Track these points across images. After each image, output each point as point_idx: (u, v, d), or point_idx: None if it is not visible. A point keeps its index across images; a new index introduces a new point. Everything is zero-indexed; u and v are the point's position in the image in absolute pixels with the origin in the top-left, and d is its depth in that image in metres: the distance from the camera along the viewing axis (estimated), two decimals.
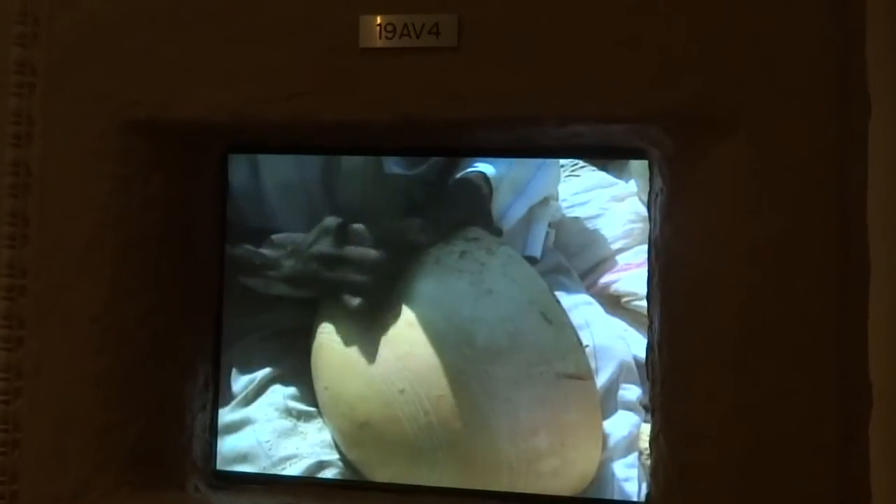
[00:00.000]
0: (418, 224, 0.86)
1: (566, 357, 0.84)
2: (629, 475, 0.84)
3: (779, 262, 0.70)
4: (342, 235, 0.88)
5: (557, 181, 0.89)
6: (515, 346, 0.83)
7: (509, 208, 0.87)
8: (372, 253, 0.87)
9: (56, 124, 0.81)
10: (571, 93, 0.71)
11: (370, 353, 0.88)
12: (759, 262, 0.70)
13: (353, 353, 0.89)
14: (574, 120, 0.72)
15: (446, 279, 0.86)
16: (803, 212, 0.69)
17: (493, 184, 0.85)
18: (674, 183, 0.74)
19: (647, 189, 0.80)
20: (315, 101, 0.75)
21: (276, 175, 0.92)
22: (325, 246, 0.88)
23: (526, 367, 0.84)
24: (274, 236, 0.90)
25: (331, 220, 0.88)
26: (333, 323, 0.90)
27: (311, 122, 0.76)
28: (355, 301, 0.87)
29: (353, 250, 0.87)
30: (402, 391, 0.86)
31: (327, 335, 0.91)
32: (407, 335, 0.87)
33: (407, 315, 0.87)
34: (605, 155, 0.86)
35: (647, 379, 0.80)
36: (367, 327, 0.88)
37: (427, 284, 0.87)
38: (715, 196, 0.71)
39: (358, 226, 0.88)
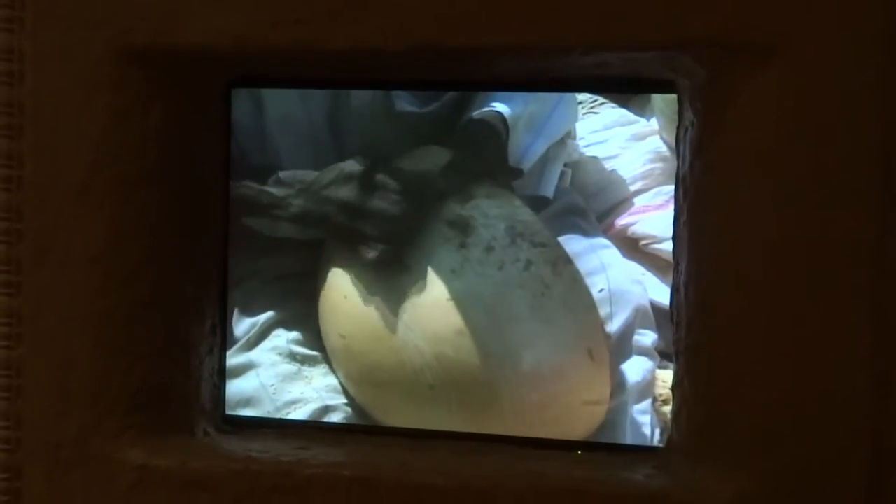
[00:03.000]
0: (440, 167, 0.83)
1: (594, 389, 0.84)
2: (643, 421, 0.83)
3: (817, 201, 0.67)
4: (367, 183, 0.84)
5: (576, 118, 0.85)
6: (554, 377, 0.83)
7: (528, 148, 0.83)
8: (395, 209, 0.84)
9: (47, 56, 0.76)
10: (599, 17, 0.67)
11: (389, 308, 0.86)
12: (795, 200, 0.67)
13: (371, 303, 0.87)
14: (601, 47, 0.68)
15: (506, 291, 0.84)
16: (845, 148, 0.66)
17: (510, 123, 0.82)
18: (706, 116, 0.71)
19: (669, 127, 0.77)
20: (324, 26, 0.70)
21: (280, 111, 0.88)
22: (347, 192, 0.84)
23: (556, 397, 0.84)
24: (281, 174, 0.86)
25: (352, 166, 0.85)
26: (346, 269, 0.88)
27: (319, 49, 0.71)
28: (371, 254, 0.84)
29: (377, 203, 0.84)
30: (415, 347, 0.84)
31: (338, 280, 0.89)
32: (438, 308, 0.85)
33: (441, 293, 0.85)
34: (632, 89, 0.83)
35: (672, 322, 0.78)
36: (387, 280, 0.86)
37: (483, 284, 0.85)
38: (751, 130, 0.68)
39: (383, 177, 0.84)
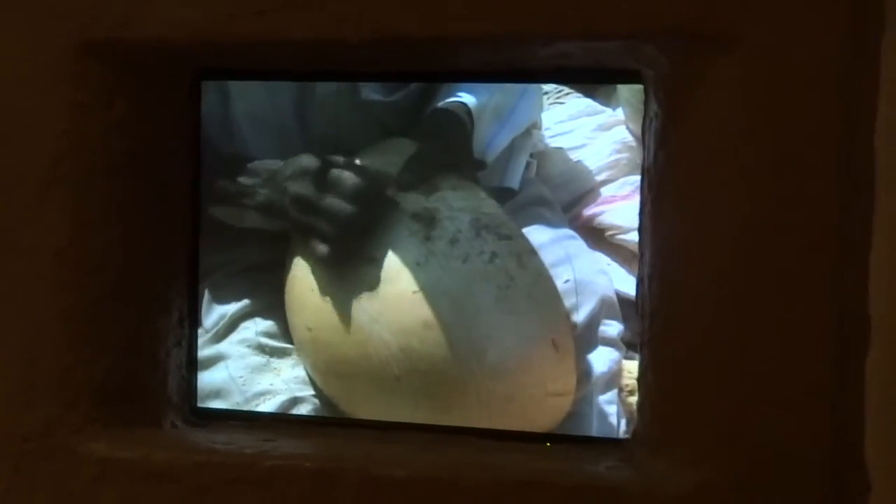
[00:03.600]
0: (397, 170, 0.83)
1: (559, 380, 0.84)
2: (609, 411, 0.83)
3: (778, 190, 0.67)
4: (321, 180, 0.84)
5: (541, 109, 0.85)
6: (520, 369, 0.84)
7: (493, 139, 0.83)
8: (348, 207, 0.84)
9: (7, 47, 0.76)
10: (557, 7, 0.66)
11: (355, 300, 0.86)
12: (757, 189, 0.67)
13: (337, 296, 0.87)
14: (562, 37, 0.68)
15: (471, 283, 0.84)
16: (807, 136, 0.66)
17: (475, 114, 0.81)
18: (669, 106, 0.71)
19: (635, 117, 0.77)
20: (283, 17, 0.70)
21: (247, 102, 0.88)
22: (301, 187, 0.84)
23: (522, 389, 0.84)
24: (250, 164, 0.86)
25: (309, 160, 0.85)
26: (312, 262, 0.88)
27: (279, 40, 0.71)
28: (323, 248, 0.84)
29: (329, 201, 0.83)
30: (381, 339, 0.85)
31: (305, 273, 0.89)
32: (404, 301, 0.85)
33: (407, 285, 0.85)
34: (598, 79, 0.83)
35: (637, 313, 0.78)
36: (353, 273, 0.86)
37: (448, 277, 0.85)
38: (713, 119, 0.68)
39: (337, 172, 0.84)
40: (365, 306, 0.86)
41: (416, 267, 0.85)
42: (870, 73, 0.68)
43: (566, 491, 0.70)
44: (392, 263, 0.85)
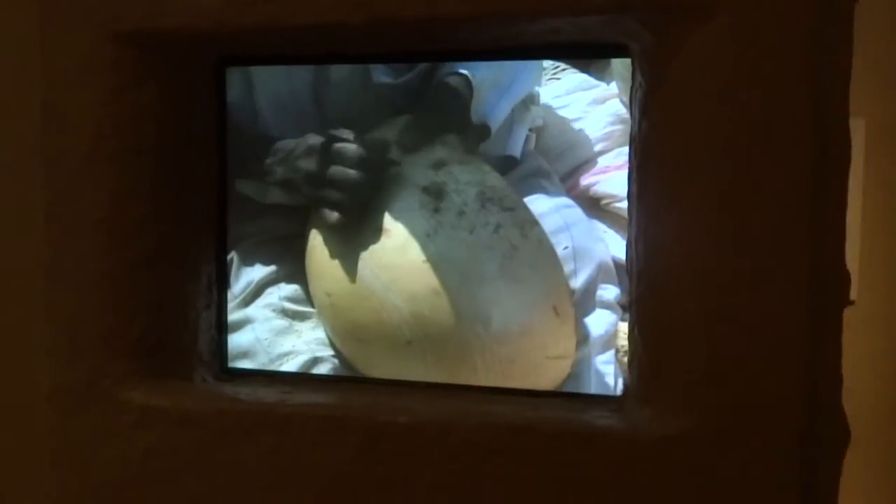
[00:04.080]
0: (395, 135, 0.89)
1: (559, 343, 0.89)
2: (606, 371, 0.88)
3: (754, 153, 0.70)
4: (326, 154, 0.91)
5: (539, 79, 0.90)
6: (522, 333, 0.89)
7: (493, 108, 0.88)
8: (352, 173, 0.90)
9: (51, 39, 0.85)
10: None
11: (370, 269, 0.92)
12: (734, 152, 0.70)
13: (353, 265, 0.93)
14: (546, 13, 0.73)
15: (477, 253, 0.90)
16: (781, 100, 0.69)
17: (475, 85, 0.87)
18: (651, 77, 0.75)
19: (628, 90, 0.81)
20: (291, 3, 0.77)
21: (268, 88, 0.95)
22: (310, 163, 0.91)
23: (524, 352, 0.89)
24: (275, 145, 0.94)
25: (314, 139, 0.92)
26: (324, 232, 0.95)
27: (289, 25, 0.78)
28: (334, 216, 0.91)
29: (334, 170, 0.90)
30: (394, 306, 0.91)
31: (321, 242, 0.96)
32: (415, 270, 0.91)
33: (417, 255, 0.91)
34: (587, 54, 0.87)
35: (627, 275, 0.82)
36: (368, 244, 0.93)
37: (456, 247, 0.90)
38: (689, 87, 0.72)
39: (340, 145, 0.91)
40: (379, 275, 0.92)
41: (425, 238, 0.90)
42: (844, 41, 0.71)
43: (554, 435, 0.75)
44: (404, 235, 0.91)
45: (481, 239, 0.89)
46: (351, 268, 0.93)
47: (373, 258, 0.93)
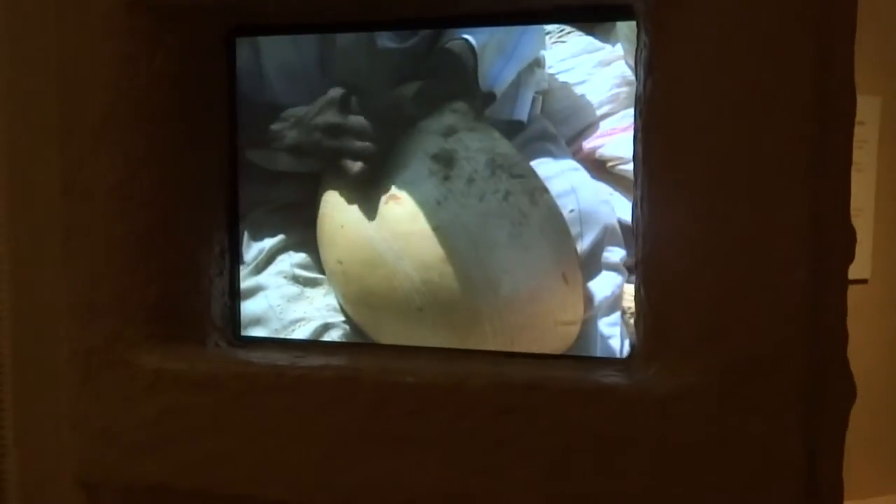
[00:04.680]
0: (412, 92, 0.89)
1: (568, 310, 0.90)
2: (612, 333, 0.88)
3: (758, 109, 0.71)
4: (345, 105, 0.92)
5: (543, 43, 0.90)
6: (531, 300, 0.90)
7: (499, 72, 0.89)
8: (370, 124, 0.91)
9: (67, 8, 0.87)
10: None
11: (381, 237, 0.93)
12: (738, 109, 0.71)
13: (365, 233, 0.95)
14: None
15: (487, 220, 0.90)
16: (786, 56, 0.70)
17: (478, 50, 0.87)
18: (655, 36, 0.75)
19: (633, 52, 0.81)
20: None
21: (276, 56, 0.96)
22: (329, 116, 0.92)
23: (533, 318, 0.90)
24: (283, 113, 0.95)
25: (335, 91, 0.93)
26: (342, 200, 0.96)
27: None
28: (356, 166, 0.92)
29: (355, 119, 0.91)
30: (405, 273, 0.92)
31: (336, 211, 0.97)
32: (426, 237, 0.92)
33: (428, 223, 0.92)
34: (592, 17, 0.87)
35: (633, 235, 0.82)
36: (379, 211, 0.94)
37: (466, 214, 0.91)
38: (695, 45, 0.72)
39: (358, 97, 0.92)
40: (390, 242, 0.93)
41: (436, 206, 0.91)
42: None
43: (562, 392, 0.76)
44: (414, 202, 0.92)
45: (491, 206, 0.90)
46: (362, 236, 0.94)
47: (384, 226, 0.94)
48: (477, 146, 0.91)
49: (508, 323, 0.91)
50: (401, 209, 0.93)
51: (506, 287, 0.90)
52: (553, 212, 0.89)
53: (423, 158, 0.92)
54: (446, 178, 0.91)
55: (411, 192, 0.93)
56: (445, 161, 0.91)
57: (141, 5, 0.84)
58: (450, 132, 0.92)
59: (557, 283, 0.90)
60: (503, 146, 0.91)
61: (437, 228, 0.91)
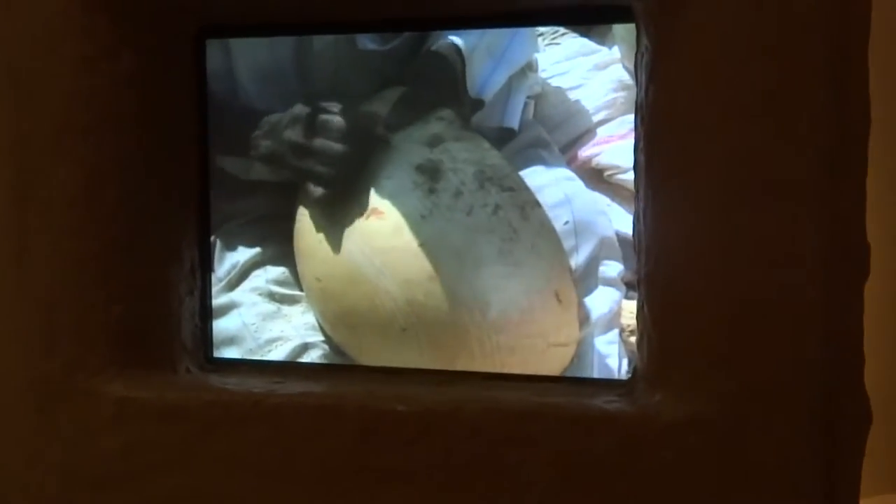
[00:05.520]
0: (391, 103, 0.84)
1: (561, 331, 0.85)
2: (609, 351, 0.84)
3: (768, 117, 0.66)
4: (311, 125, 0.86)
5: (535, 47, 0.85)
6: (523, 321, 0.85)
7: (489, 77, 0.84)
8: (336, 146, 0.86)
9: (18, 8, 0.79)
10: None
11: (362, 253, 0.88)
12: (746, 117, 0.67)
13: (344, 248, 0.89)
14: None
15: (475, 236, 0.85)
16: (796, 59, 0.66)
17: (466, 54, 0.82)
18: (658, 39, 0.70)
19: (631, 55, 0.77)
20: None
21: (249, 57, 0.90)
22: (294, 133, 0.87)
23: (524, 340, 0.85)
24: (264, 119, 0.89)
25: (300, 108, 0.87)
26: (312, 211, 0.91)
27: None
28: (318, 191, 0.86)
29: (319, 142, 0.86)
30: (387, 291, 0.86)
31: (311, 222, 0.91)
32: (409, 254, 0.86)
33: (412, 238, 0.86)
34: (587, 19, 0.82)
35: (634, 251, 0.78)
36: (359, 226, 0.88)
37: (453, 229, 0.85)
38: (701, 48, 0.67)
39: (326, 116, 0.86)
40: (372, 259, 0.87)
41: (420, 220, 0.86)
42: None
43: (561, 421, 0.71)
44: (397, 216, 0.86)
45: (480, 221, 0.85)
46: (342, 251, 0.89)
47: (365, 241, 0.88)
48: (464, 157, 0.85)
49: (498, 344, 0.86)
50: (383, 223, 0.87)
51: (495, 307, 0.85)
52: (545, 227, 0.84)
53: (407, 170, 0.86)
54: (432, 190, 0.86)
55: (394, 206, 0.87)
56: (431, 173, 0.86)
57: (98, 4, 0.78)
58: (435, 142, 0.86)
59: (550, 303, 0.85)
60: (492, 157, 0.85)
61: (423, 244, 0.85)
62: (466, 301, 0.85)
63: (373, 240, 0.87)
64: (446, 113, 0.85)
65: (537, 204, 0.84)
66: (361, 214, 0.87)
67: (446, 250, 0.85)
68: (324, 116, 0.85)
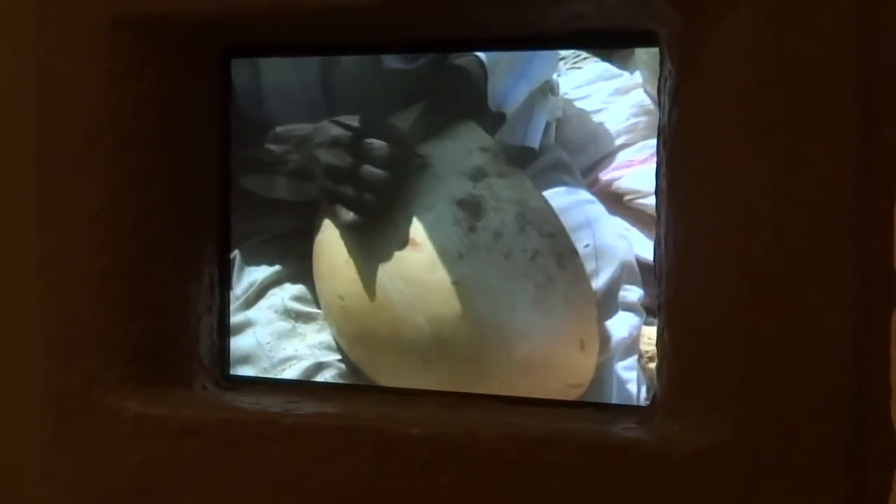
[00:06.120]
0: (417, 118, 0.84)
1: (579, 374, 0.85)
2: (629, 377, 0.83)
3: (795, 143, 0.65)
4: (353, 148, 0.86)
5: (556, 65, 0.85)
6: (545, 365, 0.85)
7: (510, 92, 0.84)
8: (381, 174, 0.84)
9: (46, 24, 0.80)
10: None
11: (392, 281, 0.87)
12: (773, 142, 0.65)
13: (374, 272, 0.88)
14: None
15: (511, 281, 0.84)
16: (825, 85, 0.64)
17: (488, 67, 0.82)
18: (682, 63, 0.70)
19: (653, 80, 0.76)
20: None
21: (275, 74, 0.91)
22: (334, 157, 0.86)
23: (543, 382, 0.85)
24: (278, 129, 0.89)
25: (338, 130, 0.86)
26: (340, 230, 0.90)
27: (297, 9, 0.74)
28: (350, 216, 0.86)
29: (366, 170, 0.85)
30: (414, 324, 0.86)
31: (332, 239, 0.91)
32: (443, 291, 0.86)
33: (447, 275, 0.86)
34: (613, 43, 0.82)
35: (655, 275, 0.77)
36: (393, 253, 0.88)
37: (489, 272, 0.85)
38: (724, 73, 0.67)
39: (371, 141, 0.85)
40: (402, 290, 0.86)
41: (458, 258, 0.85)
42: (892, 17, 0.66)
43: (579, 448, 0.70)
44: (434, 251, 0.85)
45: (517, 266, 0.84)
46: (370, 274, 0.88)
47: (397, 269, 0.87)
48: (507, 196, 0.84)
49: (518, 385, 0.85)
50: (419, 256, 0.86)
51: (521, 351, 0.84)
52: (580, 278, 0.83)
53: (448, 203, 0.85)
54: (472, 228, 0.84)
55: (432, 239, 0.86)
56: (472, 209, 0.84)
57: (125, 23, 0.79)
58: (479, 175, 0.85)
59: (573, 350, 0.84)
60: (535, 199, 0.84)
61: (457, 283, 0.84)
62: (493, 343, 0.84)
63: (406, 271, 0.86)
64: (490, 144, 0.84)
65: (575, 252, 0.83)
66: (397, 242, 0.86)
67: (481, 292, 0.84)
68: (367, 141, 0.84)
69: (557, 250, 0.84)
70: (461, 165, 0.87)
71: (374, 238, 0.88)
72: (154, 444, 0.79)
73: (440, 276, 0.85)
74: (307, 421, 0.76)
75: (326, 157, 0.85)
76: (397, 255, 0.87)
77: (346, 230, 0.87)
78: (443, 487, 0.73)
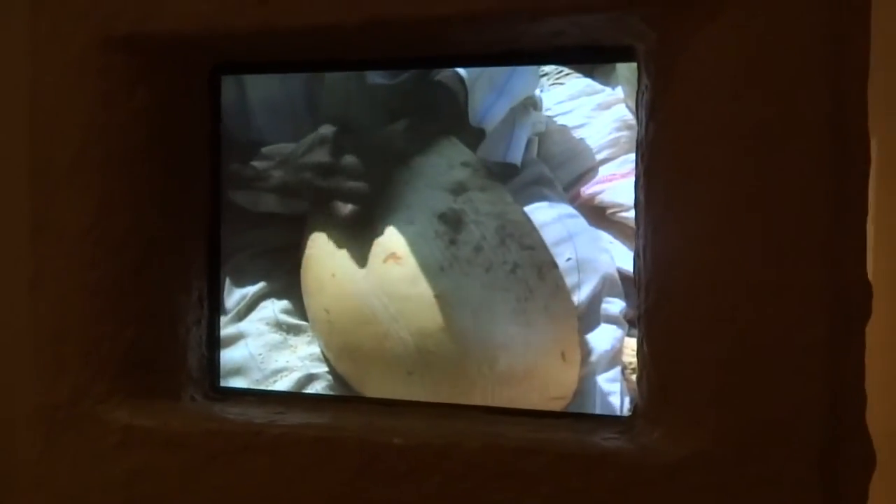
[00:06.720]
0: (402, 129, 0.86)
1: (561, 386, 0.86)
2: (612, 389, 0.84)
3: (767, 155, 0.67)
4: (338, 144, 0.88)
5: (537, 80, 0.87)
6: (527, 376, 0.85)
7: (490, 108, 0.85)
8: (365, 166, 0.87)
9: (39, 44, 0.82)
10: None
11: (376, 295, 0.88)
12: (746, 155, 0.67)
13: (358, 287, 0.89)
14: (547, 11, 0.70)
15: (492, 293, 0.85)
16: (795, 98, 0.66)
17: (468, 83, 0.84)
18: (658, 77, 0.71)
19: (634, 95, 0.78)
20: (285, 5, 0.74)
21: (261, 91, 0.92)
22: (320, 155, 0.88)
23: (526, 394, 0.86)
24: (264, 149, 0.90)
25: (326, 129, 0.88)
26: (325, 234, 0.91)
27: (282, 29, 0.75)
28: (347, 208, 0.87)
29: (348, 158, 0.87)
30: (399, 337, 0.87)
31: (320, 253, 0.92)
32: (425, 304, 0.87)
33: (429, 289, 0.87)
34: (592, 58, 0.84)
35: (635, 287, 0.78)
36: (376, 268, 0.89)
37: (470, 285, 0.86)
38: (698, 86, 0.68)
39: (350, 139, 0.87)
40: (386, 304, 0.87)
41: (439, 271, 0.86)
42: (861, 34, 0.68)
43: (559, 458, 0.71)
44: (416, 265, 0.87)
45: (498, 279, 0.85)
46: (354, 288, 0.89)
47: (380, 285, 0.88)
48: (487, 210, 0.85)
49: (500, 396, 0.86)
50: (402, 270, 0.87)
51: (503, 362, 0.85)
52: (560, 289, 0.84)
53: (430, 217, 0.86)
54: (453, 241, 0.86)
55: (414, 253, 0.87)
56: (453, 223, 0.86)
57: (117, 42, 0.80)
58: (459, 189, 0.86)
59: (555, 361, 0.85)
60: (515, 212, 0.85)
61: (439, 296, 0.85)
62: (475, 354, 0.85)
63: (389, 285, 0.87)
64: (471, 159, 0.86)
65: (554, 265, 0.84)
66: (379, 256, 0.88)
67: (462, 304, 0.85)
68: (351, 137, 0.86)
69: (537, 263, 0.86)
70: (442, 180, 0.88)
71: (358, 253, 0.90)
72: (142, 454, 0.80)
73: (422, 289, 0.86)
74: (292, 431, 0.77)
75: (313, 157, 0.88)
76: (381, 269, 0.88)
77: (346, 224, 0.88)
78: (426, 497, 0.74)
